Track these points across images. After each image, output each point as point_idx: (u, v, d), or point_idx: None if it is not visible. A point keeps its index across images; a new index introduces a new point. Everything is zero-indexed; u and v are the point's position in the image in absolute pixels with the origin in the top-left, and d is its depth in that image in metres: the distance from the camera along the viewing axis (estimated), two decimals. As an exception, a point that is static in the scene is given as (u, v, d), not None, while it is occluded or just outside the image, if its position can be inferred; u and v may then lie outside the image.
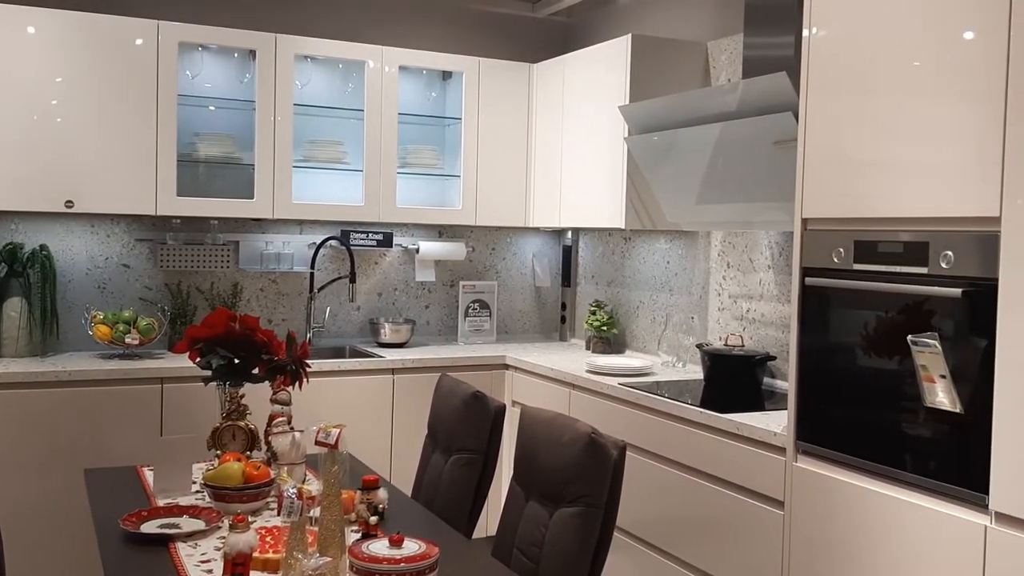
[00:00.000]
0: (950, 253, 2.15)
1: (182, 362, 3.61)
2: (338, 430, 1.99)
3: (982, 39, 2.06)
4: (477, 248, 4.77)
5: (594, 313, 4.44)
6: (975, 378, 2.08)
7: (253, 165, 4.02)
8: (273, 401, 2.67)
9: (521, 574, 2.18)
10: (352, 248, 4.35)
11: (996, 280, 2.03)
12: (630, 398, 3.31)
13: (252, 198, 4.02)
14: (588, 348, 4.45)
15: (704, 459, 2.93)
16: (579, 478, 2.12)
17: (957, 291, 2.10)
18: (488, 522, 3.85)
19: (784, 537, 2.59)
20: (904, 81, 2.25)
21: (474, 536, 2.59)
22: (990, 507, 2.03)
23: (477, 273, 4.77)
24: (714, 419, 2.89)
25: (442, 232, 4.69)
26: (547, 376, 3.86)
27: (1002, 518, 2.02)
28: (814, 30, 2.53)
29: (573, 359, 4.08)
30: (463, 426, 2.65)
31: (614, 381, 3.48)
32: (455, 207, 4.43)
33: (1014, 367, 1.98)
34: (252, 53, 4.04)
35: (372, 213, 4.23)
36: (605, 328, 4.37)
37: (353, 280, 4.28)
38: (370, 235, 4.44)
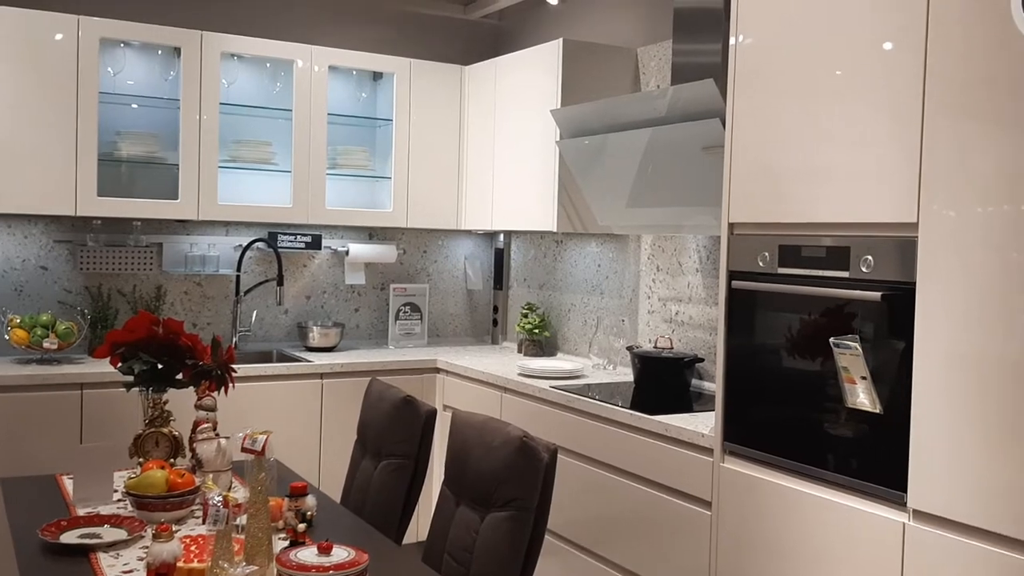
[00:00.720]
0: (870, 257, 2.21)
1: (103, 367, 3.51)
2: (264, 436, 1.96)
3: (901, 49, 2.12)
4: (408, 251, 4.74)
5: (526, 316, 4.45)
6: (894, 379, 2.14)
7: (177, 165, 3.93)
8: (198, 407, 2.62)
9: (452, 579, 2.17)
10: (280, 250, 4.28)
11: (914, 284, 2.09)
12: (561, 401, 3.32)
13: (176, 199, 3.92)
14: (520, 351, 4.46)
15: (634, 461, 2.96)
16: (510, 482, 2.12)
17: (877, 295, 2.16)
18: (419, 528, 3.83)
19: (711, 537, 2.63)
20: (827, 89, 2.31)
21: (404, 542, 2.58)
22: (908, 505, 2.10)
23: (408, 276, 4.74)
24: (643, 421, 2.92)
25: (372, 234, 4.65)
26: (479, 380, 3.85)
27: (920, 515, 2.08)
28: (740, 38, 2.58)
29: (505, 362, 4.09)
30: (393, 431, 2.63)
31: (545, 384, 3.49)
32: (386, 209, 4.40)
33: (931, 368, 2.05)
34: (177, 50, 3.95)
35: (300, 215, 4.17)
36: (537, 331, 4.39)
37: (281, 283, 4.22)
38: (298, 237, 4.37)
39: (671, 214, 3.29)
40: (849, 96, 2.25)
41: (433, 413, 2.62)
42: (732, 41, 2.60)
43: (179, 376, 2.58)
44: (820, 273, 2.34)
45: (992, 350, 1.92)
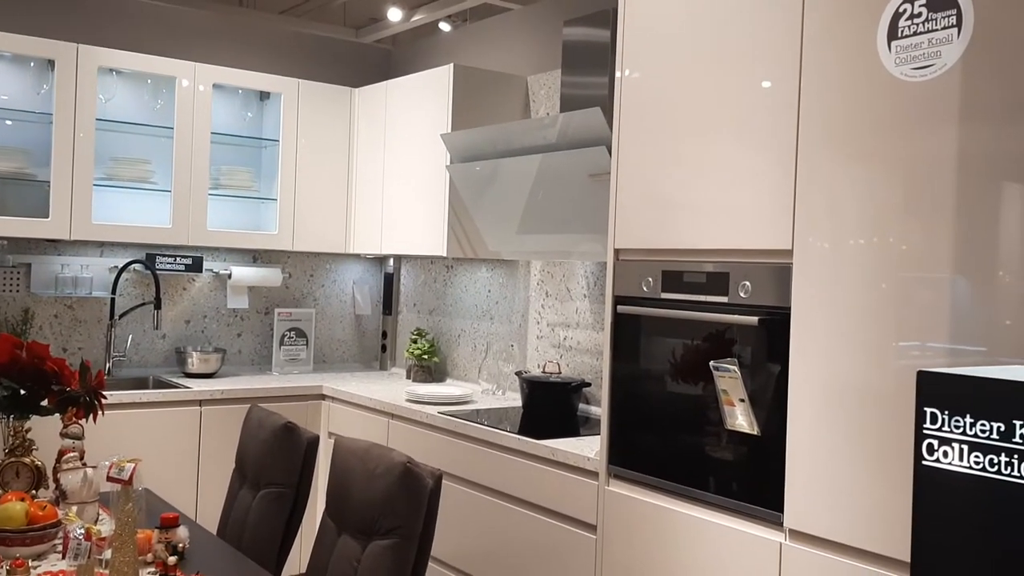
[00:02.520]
0: (748, 283, 2.27)
1: (-40, 395, 3.29)
2: (132, 464, 1.86)
3: (777, 87, 2.20)
4: (294, 274, 4.64)
5: (415, 341, 4.41)
6: (771, 402, 2.20)
7: (49, 182, 3.74)
8: (63, 435, 2.48)
9: (332, 611, 2.10)
10: (158, 272, 4.12)
11: (789, 308, 2.16)
12: (449, 427, 3.29)
13: (47, 217, 3.73)
14: (409, 377, 4.41)
15: (521, 486, 2.94)
16: (393, 510, 2.08)
17: (754, 319, 2.22)
18: (301, 560, 3.71)
19: (596, 560, 2.64)
20: (708, 123, 2.38)
21: (284, 575, 2.49)
22: (784, 524, 2.15)
23: (294, 300, 4.64)
24: (530, 445, 2.92)
25: (257, 257, 4.53)
26: (365, 406, 3.78)
27: (795, 534, 2.13)
28: (626, 72, 2.63)
29: (393, 388, 4.03)
30: (273, 459, 2.55)
31: (433, 410, 3.45)
32: (271, 231, 4.29)
33: (805, 391, 2.11)
34: (51, 63, 3.78)
35: (180, 236, 4.03)
36: (426, 356, 4.35)
37: (158, 306, 4.06)
38: (178, 259, 4.22)
39: (560, 240, 3.32)
40: (729, 130, 2.32)
41: (315, 440, 2.55)
42: (617, 75, 2.65)
43: (44, 403, 2.43)
44: (701, 298, 2.39)
45: (861, 374, 2.00)
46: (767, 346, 2.22)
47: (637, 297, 2.58)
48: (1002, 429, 1.34)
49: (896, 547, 1.91)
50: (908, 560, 1.86)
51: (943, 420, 1.42)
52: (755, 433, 2.23)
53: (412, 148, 4.04)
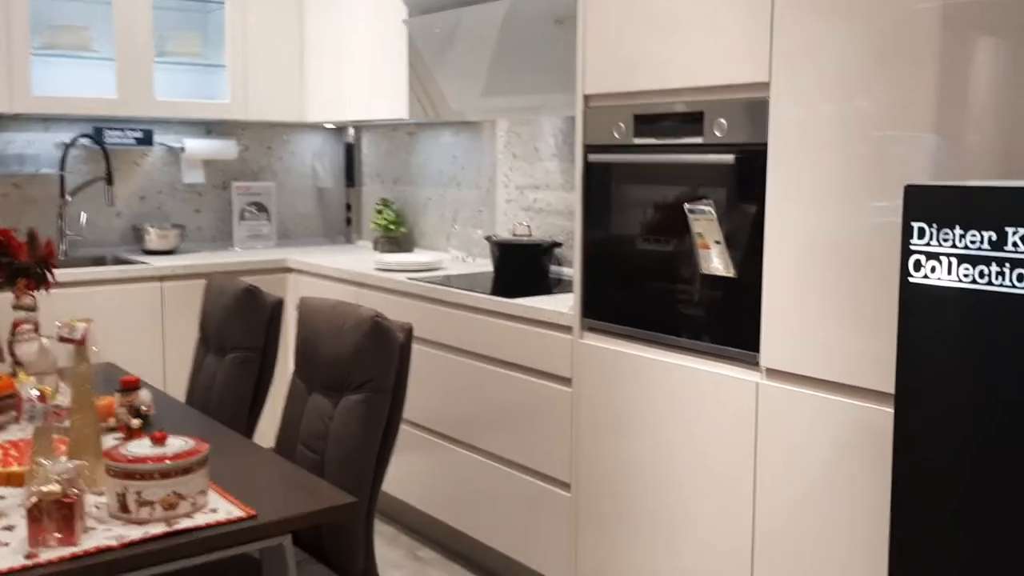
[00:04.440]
0: (723, 121, 2.18)
1: (-94, 276, 3.16)
2: (85, 324, 1.77)
3: (752, -98, 2.06)
4: (251, 147, 4.47)
5: (381, 212, 4.30)
6: (747, 242, 2.14)
7: (-20, 51, 3.51)
8: (16, 307, 2.38)
9: (305, 467, 2.06)
10: (107, 147, 3.94)
11: (766, 145, 2.08)
12: (420, 292, 3.22)
13: (-18, 89, 3.53)
14: (376, 248, 4.31)
15: (495, 345, 2.90)
16: (364, 364, 2.02)
17: (730, 157, 2.14)
18: (273, 424, 3.68)
19: (572, 412, 2.62)
20: (679, -52, 2.23)
21: (256, 440, 2.45)
22: (761, 364, 2.12)
23: (252, 173, 4.48)
24: (503, 305, 2.86)
25: (210, 129, 4.34)
26: (333, 277, 3.70)
27: (772, 373, 2.11)
28: (591, -103, 2.45)
29: (360, 259, 3.94)
30: (237, 323, 2.47)
31: (403, 277, 3.38)
32: (223, 100, 4.10)
33: (781, 229, 2.05)
34: (-31, -81, 3.49)
35: (128, 107, 3.83)
36: (393, 227, 4.24)
37: (110, 182, 3.90)
38: (127, 132, 4.03)
39: (527, 98, 3.19)
40: (702, -47, 2.17)
41: (279, 303, 2.47)
42: (582, -99, 2.48)
43: (-10, 274, 2.32)
44: (675, 140, 2.29)
45: (838, 211, 1.93)
46: (743, 186, 2.14)
47: (609, 145, 2.47)
48: (993, 238, 1.29)
49: (870, 378, 1.88)
50: (881, 390, 1.86)
51: (931, 234, 1.36)
52: (731, 275, 2.18)
53: (367, 4, 3.83)
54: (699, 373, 2.25)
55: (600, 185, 2.51)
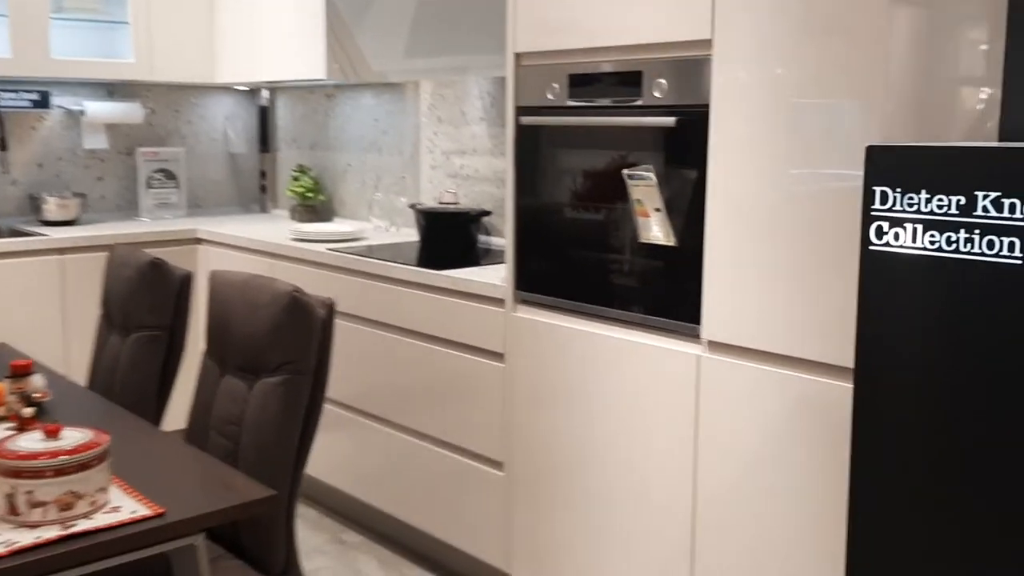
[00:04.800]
0: (663, 81, 2.07)
1: None
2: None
3: None
4: (157, 110, 4.20)
5: (297, 179, 4.09)
6: (688, 209, 2.04)
7: None
8: None
9: (218, 456, 1.91)
10: (0, 109, 3.64)
11: (708, 107, 1.98)
12: (341, 263, 3.06)
13: None
14: (293, 218, 4.11)
15: (423, 320, 2.77)
16: (282, 343, 1.86)
17: (671, 119, 2.03)
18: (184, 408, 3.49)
19: (505, 387, 2.51)
20: None
21: (165, 426, 2.27)
22: (702, 336, 2.04)
23: (159, 138, 4.21)
24: (431, 277, 2.72)
25: (113, 91, 4.06)
26: (246, 248, 3.50)
27: (714, 346, 2.03)
28: None
29: (276, 229, 3.74)
30: (142, 299, 2.27)
31: (322, 247, 3.21)
32: (126, 60, 3.82)
33: (723, 195, 1.96)
34: None
35: (22, 67, 3.54)
36: (311, 195, 4.05)
37: (4, 147, 3.61)
38: (22, 94, 3.73)
39: (453, 58, 3.03)
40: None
41: (188, 277, 2.29)
42: None
43: None
44: (612, 102, 2.18)
45: (783, 176, 1.85)
46: (685, 150, 2.04)
47: (542, 107, 2.35)
48: (962, 202, 1.21)
49: (816, 350, 1.81)
50: (827, 362, 1.80)
51: (895, 199, 1.28)
52: (671, 244, 2.08)
53: (280, -41, 3.60)
54: (638, 347, 2.16)
55: (533, 150, 2.39)
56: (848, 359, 1.75)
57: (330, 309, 1.89)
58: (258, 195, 4.52)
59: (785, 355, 1.89)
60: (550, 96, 2.32)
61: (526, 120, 2.37)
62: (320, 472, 3.20)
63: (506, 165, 2.44)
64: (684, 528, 2.10)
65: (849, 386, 1.76)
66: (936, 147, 1.24)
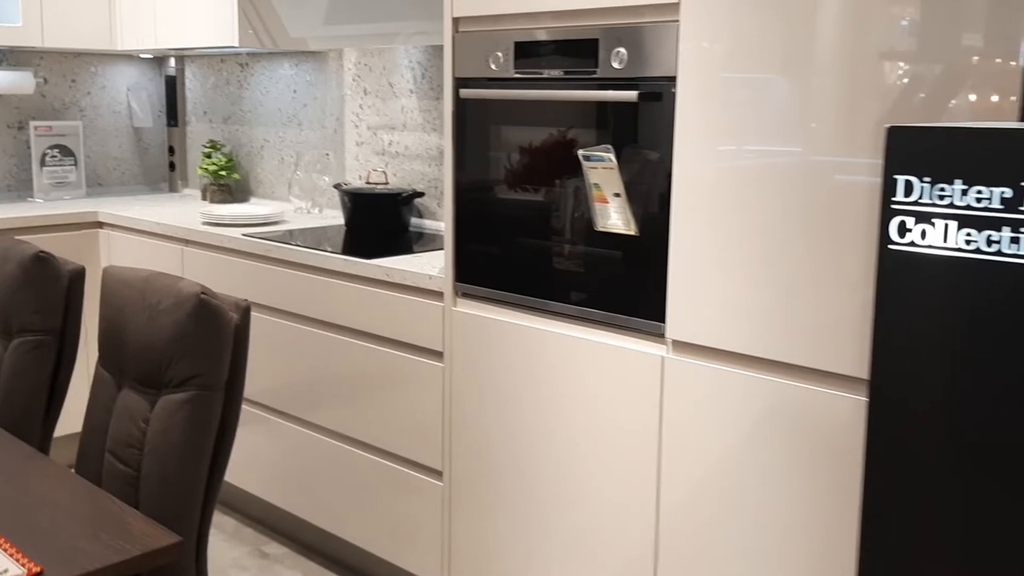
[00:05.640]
0: (623, 50, 1.84)
1: None
2: None
3: None
4: (51, 79, 3.80)
5: (209, 156, 3.76)
6: (651, 194, 1.83)
7: None
8: None
9: (115, 487, 1.63)
10: None
11: (674, 79, 1.76)
12: (258, 251, 2.77)
13: None
14: (205, 198, 3.78)
15: (350, 314, 2.51)
16: (187, 354, 1.59)
17: (633, 93, 1.81)
18: (76, 423, 3.16)
19: (445, 390, 2.27)
20: None
21: (55, 442, 1.98)
22: (667, 336, 1.83)
23: (54, 111, 3.82)
24: (359, 266, 2.46)
25: (1, 59, 3.65)
26: (153, 232, 3.17)
27: (680, 346, 1.83)
28: None
29: (186, 211, 3.42)
30: (25, 299, 1.96)
31: (236, 232, 2.91)
32: (13, 24, 3.43)
33: (692, 179, 1.75)
34: None
35: None
36: (224, 173, 3.72)
37: None
38: None
39: (379, 24, 2.76)
40: None
41: (80, 273, 1.98)
42: None
43: None
44: (564, 73, 1.95)
45: (760, 159, 1.65)
46: (648, 128, 1.83)
47: (484, 78, 2.10)
48: (1007, 195, 1.01)
49: (791, 352, 1.63)
50: (803, 364, 1.61)
51: (922, 190, 1.08)
52: (632, 233, 1.87)
53: (186, -88, 3.25)
54: (595, 346, 1.95)
55: (474, 126, 2.14)
56: (823, 362, 1.58)
57: (245, 312, 1.63)
58: (166, 173, 4.16)
59: (758, 357, 1.70)
60: (493, 66, 2.07)
61: (466, 93, 2.12)
62: (240, 479, 2.92)
63: (442, 142, 2.19)
64: (647, 536, 1.91)
65: (823, 390, 1.61)
66: (975, 128, 1.04)
